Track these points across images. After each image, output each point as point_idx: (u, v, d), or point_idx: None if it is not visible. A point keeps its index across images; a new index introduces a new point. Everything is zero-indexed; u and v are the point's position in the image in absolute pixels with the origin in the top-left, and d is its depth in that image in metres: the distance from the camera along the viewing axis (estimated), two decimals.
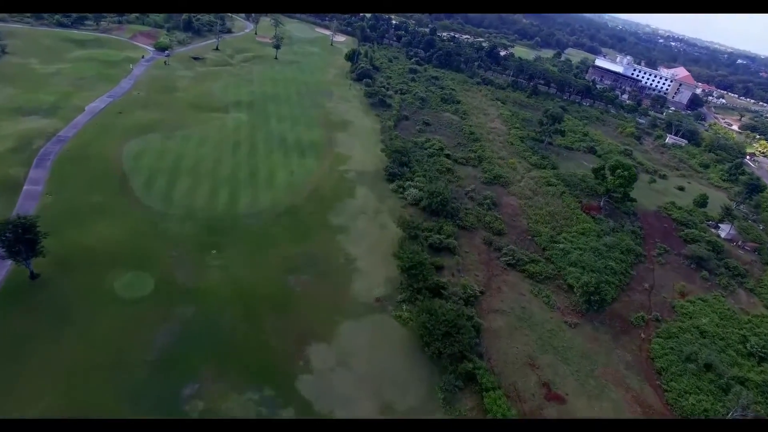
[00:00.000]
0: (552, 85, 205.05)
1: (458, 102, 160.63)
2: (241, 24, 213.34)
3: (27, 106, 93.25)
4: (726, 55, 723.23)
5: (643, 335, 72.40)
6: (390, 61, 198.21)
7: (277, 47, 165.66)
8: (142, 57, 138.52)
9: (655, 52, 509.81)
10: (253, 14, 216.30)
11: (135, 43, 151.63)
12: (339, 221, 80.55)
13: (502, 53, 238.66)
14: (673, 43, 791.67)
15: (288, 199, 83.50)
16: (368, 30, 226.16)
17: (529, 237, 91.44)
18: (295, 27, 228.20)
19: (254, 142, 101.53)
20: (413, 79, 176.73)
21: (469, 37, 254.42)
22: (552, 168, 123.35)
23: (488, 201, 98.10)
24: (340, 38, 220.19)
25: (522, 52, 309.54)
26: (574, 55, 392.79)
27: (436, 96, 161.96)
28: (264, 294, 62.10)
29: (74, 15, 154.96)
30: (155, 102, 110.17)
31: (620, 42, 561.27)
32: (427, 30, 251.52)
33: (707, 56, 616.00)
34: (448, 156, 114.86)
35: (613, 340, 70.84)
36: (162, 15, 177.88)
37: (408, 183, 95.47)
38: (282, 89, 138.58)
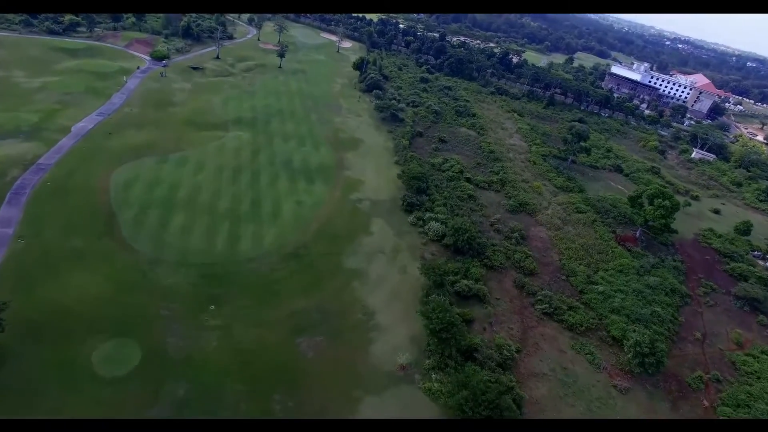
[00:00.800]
0: (569, 94, 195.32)
1: (474, 115, 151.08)
2: (243, 29, 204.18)
3: (5, 127, 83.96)
4: (734, 58, 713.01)
5: (705, 402, 62.89)
6: (400, 69, 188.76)
7: (282, 56, 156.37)
8: (138, 68, 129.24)
9: (664, 55, 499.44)
10: (255, 19, 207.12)
11: (130, 51, 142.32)
12: (354, 263, 71.14)
13: (514, 60, 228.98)
14: (680, 45, 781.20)
15: (296, 237, 74.10)
16: (376, 35, 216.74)
17: (563, 277, 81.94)
18: (300, 32, 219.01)
19: (257, 165, 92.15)
20: (425, 90, 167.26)
21: (479, 42, 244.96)
22: (579, 191, 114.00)
23: (516, 234, 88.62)
24: (347, 44, 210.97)
25: (532, 57, 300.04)
26: (584, 59, 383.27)
27: (450, 108, 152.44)
28: (271, 363, 52.76)
29: (66, 21, 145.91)
30: (149, 119, 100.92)
31: (628, 45, 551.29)
32: (437, 35, 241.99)
33: (716, 59, 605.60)
34: (468, 180, 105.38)
35: (672, 409, 61.41)
36: (160, 20, 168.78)
37: (428, 215, 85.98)
38: (287, 102, 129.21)
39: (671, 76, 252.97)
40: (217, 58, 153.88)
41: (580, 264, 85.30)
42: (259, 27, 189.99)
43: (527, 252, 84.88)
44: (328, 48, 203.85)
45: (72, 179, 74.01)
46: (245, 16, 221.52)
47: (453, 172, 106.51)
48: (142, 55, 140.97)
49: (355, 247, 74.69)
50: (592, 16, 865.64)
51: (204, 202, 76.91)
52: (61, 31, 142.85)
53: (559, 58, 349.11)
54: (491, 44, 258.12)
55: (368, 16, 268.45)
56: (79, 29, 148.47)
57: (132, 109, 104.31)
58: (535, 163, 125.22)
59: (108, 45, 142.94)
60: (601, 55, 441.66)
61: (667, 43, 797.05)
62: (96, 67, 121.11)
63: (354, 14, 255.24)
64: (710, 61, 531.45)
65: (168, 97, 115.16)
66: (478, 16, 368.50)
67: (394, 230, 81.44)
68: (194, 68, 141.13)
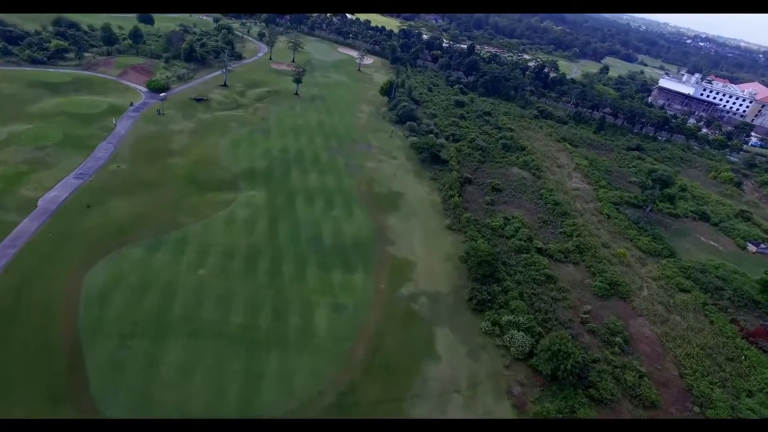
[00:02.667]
0: (619, 115, 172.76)
1: (523, 149, 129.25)
2: (253, 46, 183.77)
3: None
4: (761, 56, 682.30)
5: None
6: (430, 90, 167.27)
7: (298, 81, 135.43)
8: (131, 104, 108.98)
9: (694, 57, 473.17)
10: (267, 34, 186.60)
11: (124, 82, 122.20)
12: (422, 414, 49.85)
13: (551, 74, 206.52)
14: (701, 44, 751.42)
15: (337, 371, 53.02)
16: (399, 50, 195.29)
17: (696, 408, 60.07)
18: (316, 48, 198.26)
19: (277, 245, 71.17)
20: (462, 116, 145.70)
21: (511, 54, 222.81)
22: (669, 254, 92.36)
23: (618, 338, 67.06)
24: (368, 60, 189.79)
25: (562, 66, 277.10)
26: (612, 65, 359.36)
27: (495, 141, 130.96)
28: None
29: (51, 47, 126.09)
30: (141, 179, 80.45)
31: (653, 47, 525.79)
32: (464, 47, 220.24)
33: (745, 58, 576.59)
34: (540, 251, 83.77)
35: None
36: (159, 42, 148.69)
37: (505, 318, 64.64)
38: (307, 142, 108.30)
39: (724, 86, 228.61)
40: (225, 85, 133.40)
41: (710, 383, 63.40)
42: (271, 45, 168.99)
43: (639, 368, 63.19)
44: (347, 65, 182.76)
45: (25, 295, 53.41)
46: (255, 31, 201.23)
47: (520, 239, 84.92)
48: (138, 86, 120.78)
49: (419, 385, 53.40)
50: (608, 15, 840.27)
51: (209, 318, 56.03)
52: (45, 59, 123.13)
53: (588, 66, 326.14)
54: (525, 56, 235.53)
55: (388, 26, 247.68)
56: (66, 56, 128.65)
57: (120, 165, 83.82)
58: (608, 216, 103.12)
59: (98, 75, 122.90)
60: (628, 59, 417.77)
61: (688, 41, 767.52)
62: (80, 107, 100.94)
63: (374, 26, 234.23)
64: (743, 62, 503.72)
65: (165, 143, 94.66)
66: (500, 22, 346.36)
67: (466, 347, 60.13)
68: (198, 100, 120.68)
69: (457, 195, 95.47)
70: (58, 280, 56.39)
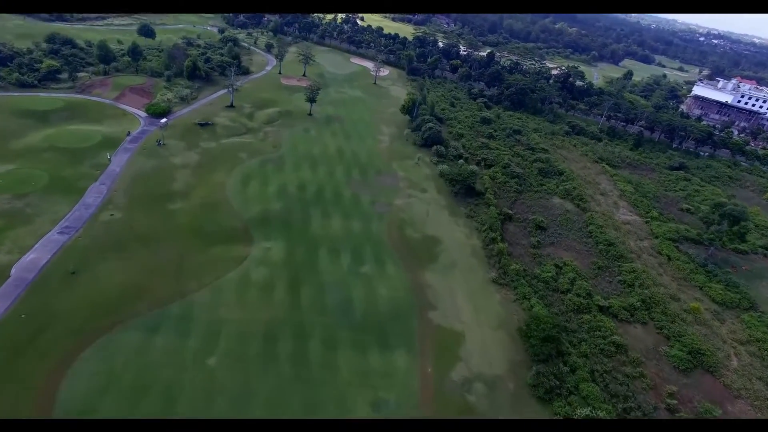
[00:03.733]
0: (656, 128, 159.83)
1: (561, 173, 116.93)
2: (261, 59, 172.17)
3: None
4: None
5: None
6: (452, 105, 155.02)
7: (312, 100, 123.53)
8: (128, 134, 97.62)
9: (713, 57, 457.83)
10: (275, 45, 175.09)
11: (121, 106, 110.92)
12: None
13: (578, 83, 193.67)
14: (715, 41, 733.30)
15: None
16: (416, 60, 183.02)
17: None
18: (327, 59, 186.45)
19: (300, 320, 59.32)
20: (491, 136, 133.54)
21: (533, 62, 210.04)
22: (749, 306, 79.71)
23: None
24: (383, 71, 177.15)
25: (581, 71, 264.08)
26: (631, 68, 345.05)
27: (530, 164, 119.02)
28: None
29: (43, 68, 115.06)
30: (137, 232, 68.87)
31: (669, 46, 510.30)
32: (483, 55, 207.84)
33: (763, 56, 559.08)
34: (602, 309, 71.52)
35: None
36: (160, 58, 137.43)
37: (580, 411, 52.43)
38: (326, 175, 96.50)
39: (758, 90, 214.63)
40: (231, 106, 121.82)
41: None
42: (280, 58, 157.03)
43: None
44: (362, 78, 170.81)
45: None
46: (262, 42, 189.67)
47: (578, 295, 72.75)
48: (136, 111, 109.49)
49: None
50: (619, 14, 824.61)
51: None
52: (35, 82, 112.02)
53: (607, 69, 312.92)
54: (547, 63, 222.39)
55: (401, 32, 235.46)
56: (60, 77, 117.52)
57: (113, 213, 72.30)
58: (669, 258, 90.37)
59: (93, 99, 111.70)
60: (645, 60, 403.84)
61: (701, 39, 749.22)
62: (70, 140, 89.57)
63: (387, 33, 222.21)
64: (764, 60, 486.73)
65: (166, 183, 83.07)
66: (515, 25, 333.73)
67: None
68: (202, 125, 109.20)
69: (499, 238, 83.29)
70: (28, 387, 44.78)
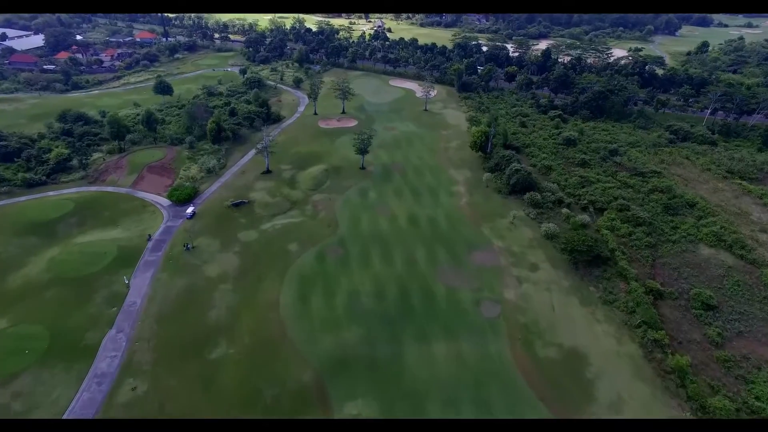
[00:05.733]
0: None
1: (692, 205, 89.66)
2: (290, 99, 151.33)
3: None
4: None
5: None
6: (523, 125, 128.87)
7: (364, 151, 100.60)
8: (148, 239, 77.66)
9: None
10: (304, 79, 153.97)
11: (140, 194, 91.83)
12: None
13: (658, 71, 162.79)
14: None
15: None
16: (465, 72, 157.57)
17: None
18: (363, 84, 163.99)
19: None
20: (584, 162, 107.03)
21: (597, 58, 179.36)
22: None
23: None
24: (431, 92, 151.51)
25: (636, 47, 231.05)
26: (690, 35, 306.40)
27: (644, 195, 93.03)
28: None
29: (52, 160, 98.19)
30: (170, 413, 47.58)
31: None
32: (539, 54, 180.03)
33: None
34: None
35: None
36: (181, 121, 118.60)
37: None
38: (405, 264, 73.36)
39: None
40: (268, 171, 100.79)
41: None
42: (314, 96, 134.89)
43: None
44: (408, 104, 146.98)
45: None
46: (290, 77, 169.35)
47: None
48: (157, 199, 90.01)
49: None
50: None
51: None
52: (43, 179, 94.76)
53: (668, 43, 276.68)
54: (609, 51, 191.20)
55: (435, 39, 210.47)
56: (70, 165, 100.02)
57: (136, 386, 51.52)
58: None
59: (107, 189, 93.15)
60: (703, 23, 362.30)
61: None
62: (79, 263, 70.25)
63: (422, 45, 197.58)
64: None
65: (201, 313, 62.02)
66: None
67: None
68: (237, 205, 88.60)
69: (666, 340, 57.73)
70: None
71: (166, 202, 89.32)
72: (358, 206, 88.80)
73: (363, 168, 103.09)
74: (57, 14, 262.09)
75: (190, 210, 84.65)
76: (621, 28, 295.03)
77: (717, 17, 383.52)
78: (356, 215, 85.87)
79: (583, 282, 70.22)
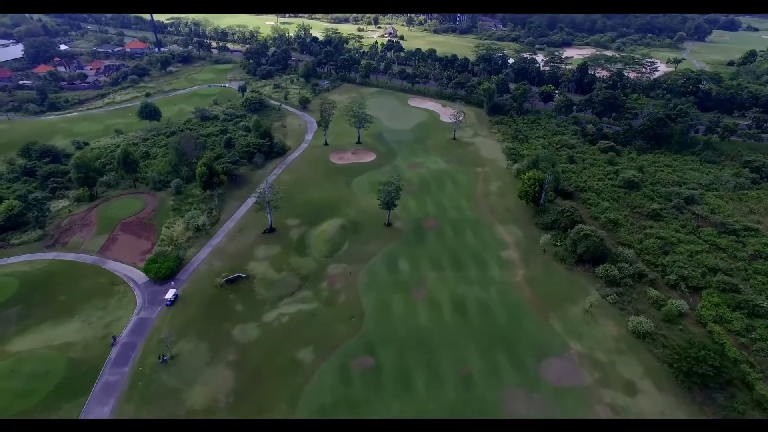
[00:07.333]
0: None
1: None
2: (296, 123, 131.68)
3: None
4: None
5: None
6: (571, 160, 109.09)
7: (390, 205, 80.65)
8: (113, 341, 58.47)
9: None
10: (311, 98, 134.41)
11: (108, 265, 72.43)
12: None
13: (712, 88, 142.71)
14: None
15: None
16: (496, 91, 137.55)
17: None
18: (380, 105, 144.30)
19: None
20: (656, 215, 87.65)
21: (641, 72, 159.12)
22: None
23: None
24: (450, 111, 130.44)
25: (664, 56, 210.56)
26: (718, 40, 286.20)
27: (745, 264, 73.57)
28: None
29: (0, 216, 78.53)
30: None
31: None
32: (573, 68, 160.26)
33: None
34: None
35: None
36: (166, 159, 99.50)
37: None
38: (455, 382, 54.17)
39: None
40: (271, 230, 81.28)
41: None
42: (325, 125, 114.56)
43: None
44: (433, 131, 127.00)
45: None
46: (295, 95, 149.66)
47: None
48: (130, 273, 70.72)
49: None
50: None
51: None
52: None
53: (701, 50, 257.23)
54: (654, 64, 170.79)
55: (451, 48, 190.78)
56: (24, 220, 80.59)
57: None
58: None
59: (68, 258, 73.73)
60: (731, 27, 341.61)
61: None
62: (5, 394, 50.65)
63: (442, 56, 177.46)
64: None
65: None
66: (576, 17, 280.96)
67: None
68: (231, 281, 69.32)
69: None
70: None
71: (141, 276, 69.97)
72: (386, 285, 69.20)
73: (389, 225, 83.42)
74: (42, 22, 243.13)
75: (170, 294, 65.31)
76: (649, 35, 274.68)
77: (744, 20, 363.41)
78: (385, 300, 66.36)
79: (705, 409, 50.77)
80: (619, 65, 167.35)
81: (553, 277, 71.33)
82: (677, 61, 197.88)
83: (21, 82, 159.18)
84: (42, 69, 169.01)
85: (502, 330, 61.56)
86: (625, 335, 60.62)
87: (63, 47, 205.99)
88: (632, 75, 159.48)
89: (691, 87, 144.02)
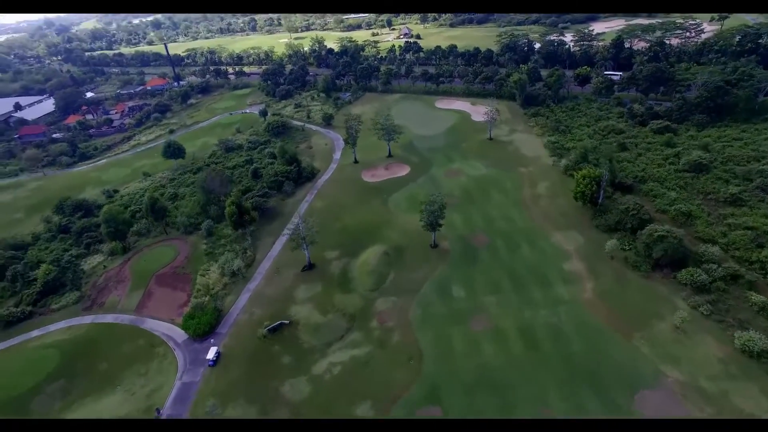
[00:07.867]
0: None
1: None
2: (322, 143, 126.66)
3: None
4: None
5: None
6: (622, 147, 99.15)
7: (435, 226, 73.71)
8: (156, 415, 54.14)
9: None
10: (334, 113, 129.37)
11: (146, 325, 69.08)
12: None
13: None
14: None
15: None
16: (527, 81, 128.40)
17: None
18: (405, 111, 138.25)
19: None
20: (736, 200, 76.89)
21: (685, 38, 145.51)
22: None
23: None
24: (482, 109, 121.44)
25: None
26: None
27: None
28: None
29: (39, 281, 77.30)
30: None
31: None
32: (603, 44, 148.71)
33: None
34: None
35: None
36: (194, 200, 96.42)
37: None
38: None
39: None
40: (310, 267, 76.08)
41: None
42: (353, 141, 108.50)
43: None
44: (467, 133, 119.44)
45: None
46: (317, 112, 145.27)
47: None
48: (169, 332, 67.10)
49: None
50: None
51: None
52: (25, 313, 74.24)
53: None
54: (700, 26, 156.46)
55: (473, 41, 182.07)
56: (62, 282, 78.78)
57: None
58: None
59: (107, 320, 70.70)
60: None
61: None
62: None
63: (464, 51, 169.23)
64: None
65: None
66: None
67: None
68: (274, 329, 64.53)
69: None
70: None
71: (180, 334, 66.12)
72: (442, 317, 62.59)
73: (435, 246, 76.70)
74: (70, 72, 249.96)
75: (212, 353, 61.04)
76: None
77: None
78: (444, 335, 59.74)
79: None
80: (658, 33, 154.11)
81: (628, 289, 62.73)
82: (723, 18, 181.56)
83: (54, 136, 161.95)
84: (72, 119, 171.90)
85: (581, 359, 53.82)
86: (733, 355, 51.63)
87: (89, 94, 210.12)
88: (675, 42, 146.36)
89: (749, 44, 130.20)
